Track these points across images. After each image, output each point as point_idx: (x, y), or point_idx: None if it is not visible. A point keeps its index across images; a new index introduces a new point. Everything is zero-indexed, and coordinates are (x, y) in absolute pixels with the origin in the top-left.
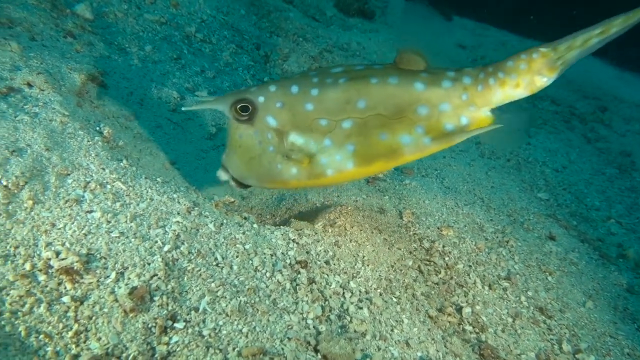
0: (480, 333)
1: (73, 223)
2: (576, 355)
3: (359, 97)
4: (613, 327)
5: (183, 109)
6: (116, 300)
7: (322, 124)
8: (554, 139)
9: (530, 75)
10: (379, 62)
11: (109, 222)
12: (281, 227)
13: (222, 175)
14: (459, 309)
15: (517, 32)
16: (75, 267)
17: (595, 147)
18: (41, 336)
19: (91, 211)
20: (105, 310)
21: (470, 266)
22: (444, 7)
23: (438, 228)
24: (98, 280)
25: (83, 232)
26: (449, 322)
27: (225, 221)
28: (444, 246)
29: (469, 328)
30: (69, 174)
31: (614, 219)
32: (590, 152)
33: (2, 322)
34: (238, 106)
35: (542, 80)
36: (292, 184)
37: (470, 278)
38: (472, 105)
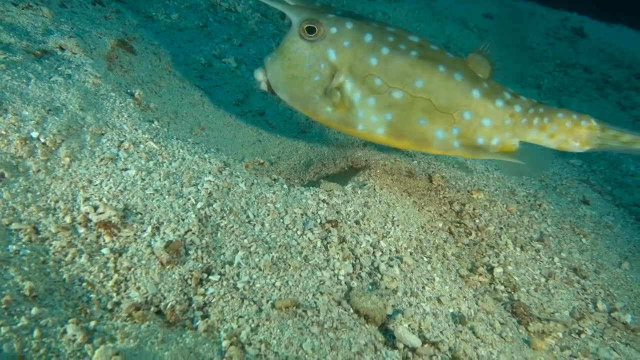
0: (513, 292)
1: (109, 180)
2: (612, 314)
3: (421, 77)
4: None
5: None
6: (153, 253)
7: (376, 83)
8: (587, 107)
9: (567, 136)
10: (452, 51)
11: (143, 179)
12: (311, 187)
13: (259, 75)
14: (490, 269)
15: (546, 2)
16: (113, 221)
17: (630, 115)
18: (84, 284)
19: (126, 169)
20: (143, 262)
21: (501, 228)
22: None
23: (468, 191)
24: (135, 234)
25: (119, 188)
26: (480, 281)
27: (255, 181)
28: (474, 209)
29: (500, 287)
30: (103, 134)
31: None
32: (625, 119)
33: (47, 270)
34: (307, 25)
35: (574, 145)
36: (321, 119)
37: (501, 240)
38: (508, 132)
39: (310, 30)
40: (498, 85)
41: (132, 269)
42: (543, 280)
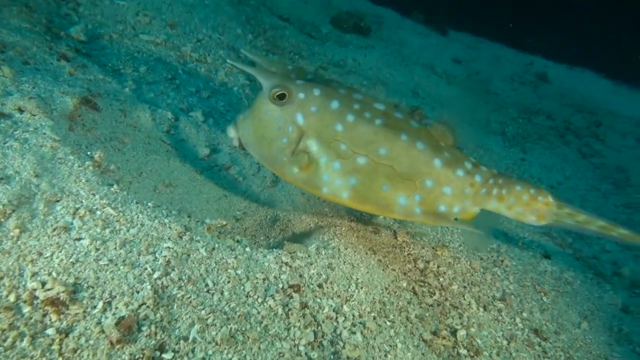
0: (475, 357)
1: (61, 251)
2: None
3: (384, 145)
4: (608, 348)
5: (228, 61)
6: (102, 332)
7: (341, 148)
8: (549, 155)
9: (524, 209)
10: (415, 122)
11: (97, 249)
12: (274, 250)
13: (232, 132)
14: (454, 332)
15: (512, 45)
16: (61, 298)
17: (591, 163)
18: None
19: (80, 239)
20: (91, 342)
21: (465, 287)
22: (439, 22)
23: (433, 248)
24: (84, 311)
25: (71, 260)
26: (444, 345)
27: (217, 245)
28: (438, 266)
29: (463, 352)
30: (58, 201)
31: None
32: (585, 167)
33: None
34: (276, 91)
35: (530, 218)
36: (287, 179)
37: (465, 299)
38: (468, 200)
39: (280, 96)
40: (460, 154)
41: (79, 351)
42: (505, 343)
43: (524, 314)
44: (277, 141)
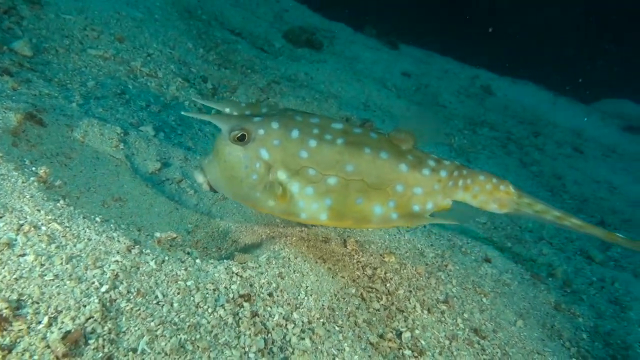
0: (419, 357)
1: (3, 268)
2: None
3: (350, 162)
4: (541, 344)
5: (183, 113)
6: (48, 347)
7: (310, 173)
8: (492, 164)
9: (487, 197)
10: (376, 129)
11: (42, 265)
12: (225, 260)
13: (200, 177)
14: (399, 334)
15: (459, 59)
16: (3, 314)
17: (530, 171)
18: None
19: (24, 255)
20: (36, 357)
21: (410, 291)
22: (391, 37)
23: (381, 255)
24: (29, 327)
25: (14, 277)
26: (390, 347)
27: (167, 258)
28: (385, 273)
29: (408, 353)
30: (0, 217)
31: (545, 239)
32: (525, 175)
33: None
34: (235, 134)
35: (492, 206)
36: (265, 212)
37: (410, 303)
38: (439, 195)
39: (240, 137)
40: (422, 154)
41: None
42: (447, 342)
43: (465, 315)
44: (247, 179)
